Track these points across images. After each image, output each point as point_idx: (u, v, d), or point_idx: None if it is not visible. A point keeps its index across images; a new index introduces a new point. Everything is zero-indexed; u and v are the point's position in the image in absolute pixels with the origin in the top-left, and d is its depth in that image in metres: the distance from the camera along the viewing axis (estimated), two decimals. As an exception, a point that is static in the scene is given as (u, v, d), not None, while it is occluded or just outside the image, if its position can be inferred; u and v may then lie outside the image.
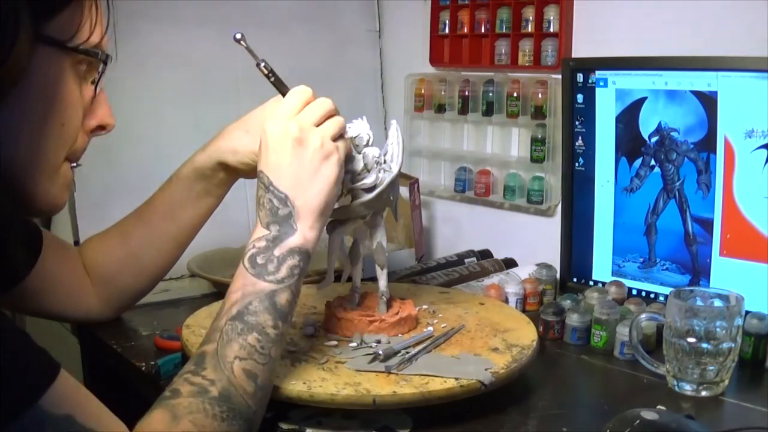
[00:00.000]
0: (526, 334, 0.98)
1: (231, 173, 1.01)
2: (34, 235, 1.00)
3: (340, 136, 0.88)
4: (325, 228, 0.99)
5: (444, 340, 0.96)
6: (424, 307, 1.07)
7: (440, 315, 1.05)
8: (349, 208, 0.94)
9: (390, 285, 1.02)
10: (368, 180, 0.93)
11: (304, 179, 0.83)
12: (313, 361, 0.90)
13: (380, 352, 0.89)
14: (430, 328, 0.99)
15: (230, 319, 0.77)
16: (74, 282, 1.05)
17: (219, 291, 1.27)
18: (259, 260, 0.80)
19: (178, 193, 1.03)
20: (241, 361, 0.74)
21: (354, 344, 0.95)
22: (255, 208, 0.84)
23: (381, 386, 0.83)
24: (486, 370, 0.86)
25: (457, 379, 0.84)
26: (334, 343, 0.95)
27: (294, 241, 0.81)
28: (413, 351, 0.91)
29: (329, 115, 0.88)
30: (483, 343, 0.95)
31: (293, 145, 0.83)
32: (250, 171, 0.98)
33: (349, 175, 0.93)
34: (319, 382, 0.84)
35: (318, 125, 0.86)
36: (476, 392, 0.84)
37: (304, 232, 0.82)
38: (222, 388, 0.72)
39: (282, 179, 0.82)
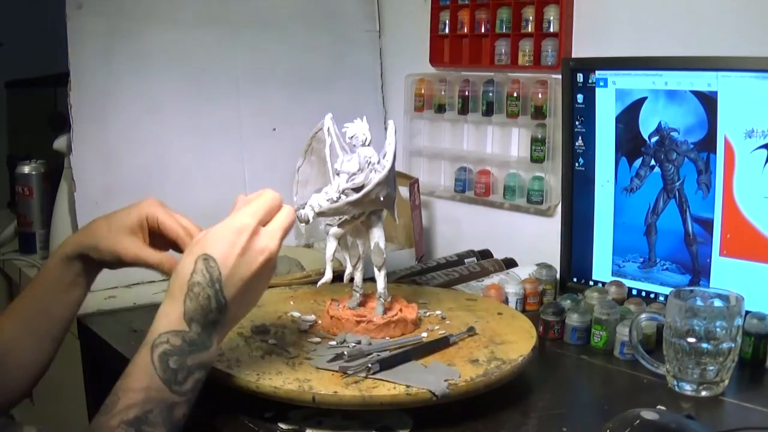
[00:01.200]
0: (518, 349, 0.93)
1: (93, 265, 0.94)
2: None
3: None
4: (324, 227, 1.00)
5: (427, 348, 0.93)
6: (437, 312, 1.07)
7: (448, 322, 1.04)
8: (337, 207, 0.94)
9: (416, 288, 1.01)
10: (357, 180, 0.94)
11: (248, 294, 0.78)
12: (285, 355, 0.91)
13: (345, 352, 0.89)
14: (424, 334, 0.98)
15: (125, 422, 0.70)
16: None
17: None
18: (171, 364, 0.73)
19: (48, 286, 0.94)
20: None
21: (333, 343, 0.95)
22: (178, 282, 0.75)
23: (326, 385, 0.82)
24: (445, 381, 0.83)
25: (407, 386, 0.82)
26: (318, 340, 0.96)
27: (207, 356, 0.75)
28: (382, 355, 0.89)
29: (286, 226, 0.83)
30: (467, 353, 0.92)
31: (264, 263, 0.78)
32: (112, 264, 0.92)
33: (344, 176, 0.94)
34: (273, 374, 0.84)
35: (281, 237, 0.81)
36: (426, 402, 0.82)
37: (216, 348, 0.77)
38: None
39: (231, 283, 0.76)
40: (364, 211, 0.97)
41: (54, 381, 1.54)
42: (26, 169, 1.62)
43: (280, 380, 0.83)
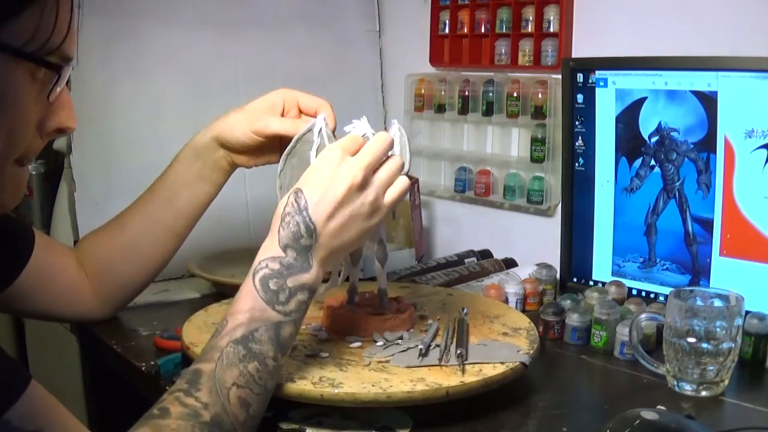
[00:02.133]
0: (516, 319, 1.03)
1: (226, 155, 1.02)
2: (25, 237, 0.99)
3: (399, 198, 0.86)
4: None
5: (456, 331, 0.97)
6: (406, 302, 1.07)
7: (424, 308, 1.06)
8: None
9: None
10: None
11: (340, 222, 0.81)
12: (356, 364, 0.88)
13: (420, 347, 0.90)
14: (429, 321, 1.02)
15: (233, 341, 0.75)
16: (69, 281, 1.04)
17: (219, 291, 1.27)
18: (272, 285, 0.78)
19: (174, 176, 1.03)
20: (238, 389, 0.72)
21: (380, 343, 0.94)
22: (275, 218, 0.81)
23: (444, 378, 0.84)
24: (518, 352, 0.91)
25: (502, 363, 0.88)
26: (359, 344, 0.95)
27: (307, 277, 0.80)
28: (442, 343, 0.93)
29: (398, 173, 0.87)
30: (488, 330, 0.99)
31: (350, 189, 0.81)
32: (245, 150, 1.00)
33: None
34: (385, 383, 0.83)
35: (386, 185, 0.85)
36: (520, 373, 0.89)
37: (318, 270, 0.81)
38: (215, 414, 0.70)
39: (319, 209, 0.80)
40: None
41: (54, 381, 1.54)
42: (26, 169, 1.61)
43: (403, 386, 0.82)
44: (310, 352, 0.91)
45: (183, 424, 0.67)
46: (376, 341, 0.95)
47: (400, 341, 0.94)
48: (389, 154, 0.88)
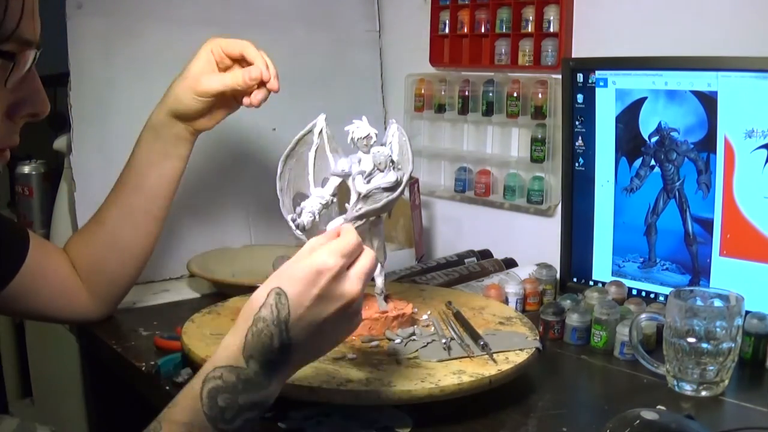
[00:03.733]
0: (501, 309, 1.08)
1: (183, 125, 1.04)
2: (20, 238, 0.99)
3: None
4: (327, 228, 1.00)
5: (457, 324, 1.00)
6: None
7: (416, 308, 1.06)
8: (382, 207, 0.95)
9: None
10: (390, 178, 0.94)
11: (319, 340, 0.72)
12: (390, 362, 0.89)
13: (444, 341, 0.93)
14: (426, 316, 1.04)
15: None
16: (63, 282, 1.04)
17: (219, 291, 1.27)
18: (220, 401, 0.67)
19: (139, 160, 1.04)
20: None
21: (398, 340, 0.95)
22: (247, 309, 0.70)
23: (481, 368, 0.87)
24: (527, 338, 0.95)
25: (521, 349, 0.91)
26: (376, 343, 0.95)
27: (263, 395, 0.69)
28: (455, 336, 0.96)
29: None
30: (484, 321, 1.02)
31: (341, 308, 0.71)
32: (199, 114, 1.03)
33: (360, 176, 0.94)
34: (432, 378, 0.85)
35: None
36: (536, 358, 0.93)
37: (276, 387, 0.71)
38: None
39: (300, 326, 0.69)
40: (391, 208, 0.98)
41: (54, 381, 1.54)
42: (26, 169, 1.62)
43: (449, 379, 0.84)
44: (337, 356, 0.90)
45: None
46: (392, 339, 0.95)
47: (414, 337, 0.96)
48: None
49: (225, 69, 1.04)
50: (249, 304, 0.71)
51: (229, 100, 1.06)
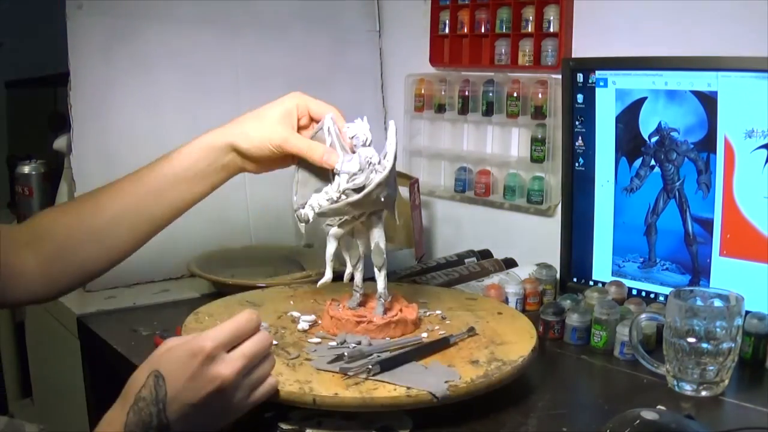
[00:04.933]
0: (518, 350, 0.93)
1: (237, 160, 0.97)
2: None
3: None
4: (324, 227, 1.00)
5: (427, 349, 0.93)
6: (437, 312, 1.07)
7: (448, 322, 1.03)
8: (338, 207, 0.94)
9: (416, 287, 1.00)
10: (358, 180, 0.93)
11: (196, 420, 0.74)
12: (285, 355, 0.90)
13: (345, 353, 0.89)
14: (424, 334, 0.98)
15: None
16: (7, 262, 0.92)
17: (219, 291, 1.27)
18: None
19: (172, 169, 0.96)
20: None
21: (333, 343, 0.95)
22: (130, 386, 0.74)
23: (327, 387, 0.82)
24: (446, 382, 0.83)
25: (408, 388, 0.82)
26: (318, 340, 0.96)
27: None
28: (383, 356, 0.89)
29: (269, 372, 0.80)
30: (468, 354, 0.92)
31: (215, 391, 0.74)
32: (258, 160, 0.96)
33: (345, 176, 0.94)
34: (273, 375, 0.83)
35: (254, 384, 0.79)
36: (427, 404, 0.82)
37: None
38: None
39: (176, 406, 0.73)
40: (364, 211, 0.97)
41: (54, 381, 1.54)
42: (26, 169, 1.62)
43: (280, 381, 0.83)
44: (273, 341, 0.92)
45: None
46: (334, 341, 0.95)
47: (354, 345, 0.93)
48: None
49: (300, 125, 0.98)
50: (131, 383, 0.75)
51: (290, 158, 0.99)
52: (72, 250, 0.95)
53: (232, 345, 0.76)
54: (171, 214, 0.98)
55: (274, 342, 0.94)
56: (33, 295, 0.96)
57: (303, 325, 1.01)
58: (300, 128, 0.98)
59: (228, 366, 0.75)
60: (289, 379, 0.83)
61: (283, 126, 0.95)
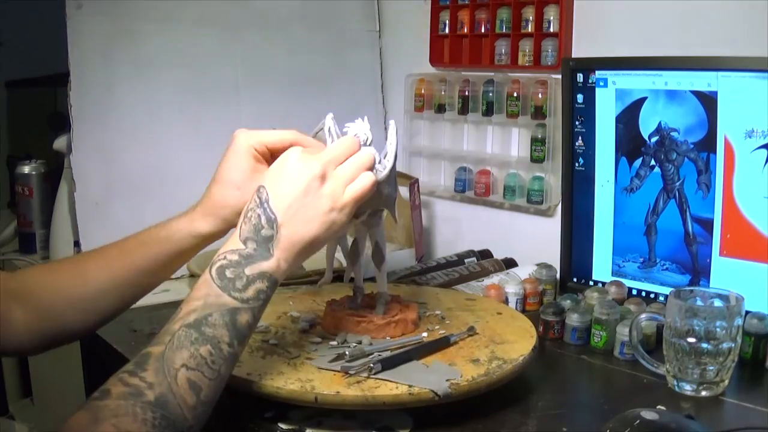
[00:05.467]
0: (519, 349, 0.93)
1: (222, 226, 0.90)
2: None
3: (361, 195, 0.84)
4: None
5: (428, 348, 0.93)
6: (437, 312, 1.06)
7: (448, 322, 1.03)
8: None
9: (414, 288, 1.00)
10: None
11: (301, 213, 0.80)
12: (286, 355, 0.91)
13: (347, 352, 0.89)
14: (424, 334, 0.98)
15: (186, 325, 0.73)
16: None
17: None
18: (228, 273, 0.76)
19: (163, 252, 0.91)
20: (188, 371, 0.70)
21: (334, 343, 0.95)
22: (241, 215, 0.80)
23: (329, 385, 0.82)
24: (447, 380, 0.83)
25: (410, 386, 0.82)
26: (318, 340, 0.96)
27: (267, 265, 0.78)
28: (384, 355, 0.89)
29: (363, 169, 0.84)
30: (468, 353, 0.92)
31: (309, 179, 0.80)
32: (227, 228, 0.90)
33: None
34: (274, 375, 0.85)
35: (348, 179, 0.83)
36: (428, 402, 0.82)
37: (279, 261, 0.78)
38: (159, 394, 0.67)
39: (279, 201, 0.79)
40: (364, 210, 0.97)
41: (54, 381, 1.54)
42: (26, 169, 1.62)
43: (281, 380, 0.83)
44: (273, 341, 0.96)
45: (123, 404, 0.65)
46: (334, 340, 0.95)
47: (354, 345, 0.93)
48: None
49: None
50: (244, 208, 0.81)
51: None
52: (58, 313, 0.91)
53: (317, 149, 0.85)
54: (156, 283, 0.94)
55: (275, 342, 0.95)
56: (19, 346, 0.93)
57: (303, 325, 1.01)
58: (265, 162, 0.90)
59: (313, 159, 0.82)
60: (290, 378, 0.84)
61: (255, 177, 0.87)
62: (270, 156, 0.90)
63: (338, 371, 0.86)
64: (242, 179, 0.88)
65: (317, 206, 0.80)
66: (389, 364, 0.86)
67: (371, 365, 0.85)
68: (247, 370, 0.86)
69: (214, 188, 0.90)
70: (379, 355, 0.89)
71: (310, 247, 0.81)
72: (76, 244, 1.36)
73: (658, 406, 0.87)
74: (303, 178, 0.80)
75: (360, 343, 0.94)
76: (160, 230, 0.91)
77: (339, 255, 1.05)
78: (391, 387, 0.82)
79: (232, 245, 0.79)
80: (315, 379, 0.84)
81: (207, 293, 0.75)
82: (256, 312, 0.77)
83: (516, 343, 0.95)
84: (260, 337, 0.97)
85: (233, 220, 0.87)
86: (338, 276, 1.05)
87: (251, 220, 0.79)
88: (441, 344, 0.94)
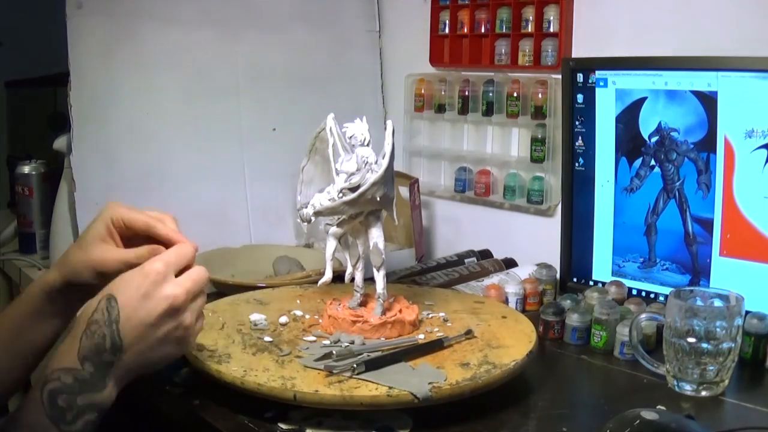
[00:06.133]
0: (513, 354, 0.92)
1: (79, 294, 0.88)
2: None
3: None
4: (324, 226, 1.00)
5: (419, 350, 0.93)
6: (440, 314, 1.06)
7: (449, 324, 1.03)
8: (334, 207, 0.94)
9: (426, 290, 0.99)
10: (354, 179, 0.94)
11: (150, 343, 0.75)
12: (277, 353, 0.91)
13: (333, 351, 0.89)
14: (421, 336, 0.98)
15: None
16: None
17: (219, 291, 1.27)
18: (60, 402, 0.70)
19: (28, 311, 0.89)
20: None
21: (327, 342, 0.95)
22: (81, 316, 0.74)
23: (309, 384, 0.83)
24: (429, 383, 0.83)
25: (389, 388, 0.82)
26: (313, 338, 0.96)
27: (99, 397, 0.72)
28: (372, 355, 0.89)
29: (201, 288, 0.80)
30: (461, 356, 0.92)
31: (168, 309, 0.75)
32: (96, 285, 0.84)
33: (343, 176, 0.94)
34: (260, 371, 0.85)
35: (198, 311, 0.80)
36: (408, 404, 0.82)
37: (112, 390, 0.74)
38: None
39: (130, 327, 0.74)
40: (362, 211, 0.97)
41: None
42: (26, 169, 1.62)
43: (265, 377, 0.84)
44: (269, 339, 0.96)
45: None
46: (328, 339, 0.96)
47: (346, 344, 0.93)
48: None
49: (128, 238, 0.88)
50: (83, 311, 0.75)
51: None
52: None
53: (178, 270, 0.78)
54: (36, 350, 0.91)
55: (270, 339, 0.96)
56: None
57: (282, 318, 1.02)
58: (129, 238, 0.88)
59: (178, 286, 0.76)
60: (273, 375, 0.84)
61: (104, 247, 0.86)
62: (125, 229, 0.87)
63: (322, 370, 0.86)
64: (89, 242, 0.86)
65: (168, 340, 0.77)
66: (373, 364, 0.86)
67: (354, 365, 0.85)
68: (233, 366, 0.86)
69: (72, 246, 0.89)
70: (368, 356, 0.89)
71: (142, 372, 0.77)
72: (76, 244, 1.36)
73: (658, 406, 0.87)
74: (162, 306, 0.75)
75: (353, 342, 0.94)
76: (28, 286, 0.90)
77: (339, 255, 1.05)
78: (371, 388, 0.82)
79: (68, 362, 0.72)
80: (298, 377, 0.84)
81: (35, 422, 0.70)
82: None
83: (512, 348, 0.95)
84: (256, 335, 0.97)
85: (74, 281, 0.86)
86: (339, 276, 1.04)
87: (94, 337, 0.73)
88: (433, 347, 0.94)
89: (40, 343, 0.90)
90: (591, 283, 1.30)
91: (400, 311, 1.00)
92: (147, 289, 0.75)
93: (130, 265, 0.82)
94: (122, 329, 0.73)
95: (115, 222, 0.87)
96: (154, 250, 0.84)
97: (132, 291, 0.75)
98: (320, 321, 1.02)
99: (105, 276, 0.84)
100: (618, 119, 1.24)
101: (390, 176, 0.96)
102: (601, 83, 1.25)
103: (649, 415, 0.79)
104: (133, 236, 0.87)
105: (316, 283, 1.02)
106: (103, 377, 0.73)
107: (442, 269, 1.36)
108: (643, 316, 1.00)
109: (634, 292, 1.25)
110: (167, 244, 0.84)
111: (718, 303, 0.96)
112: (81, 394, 0.71)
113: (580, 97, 1.28)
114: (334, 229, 0.99)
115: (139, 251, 0.85)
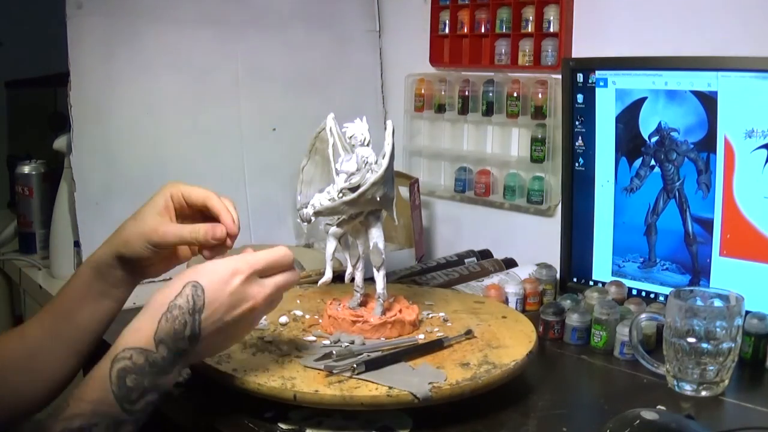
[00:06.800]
0: (513, 354, 0.92)
1: (128, 270, 0.90)
2: None
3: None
4: (324, 226, 1.00)
5: (419, 350, 0.93)
6: (441, 314, 1.06)
7: (449, 324, 1.03)
8: (334, 207, 0.94)
9: (426, 290, 0.99)
10: (354, 179, 0.94)
11: (224, 337, 0.79)
12: (277, 352, 0.91)
13: (334, 351, 0.89)
14: (421, 336, 0.98)
15: (67, 430, 0.68)
16: None
17: (219, 291, 1.27)
18: (128, 382, 0.71)
19: (77, 290, 0.91)
20: None
21: (327, 342, 0.95)
22: (160, 296, 0.75)
23: (309, 384, 0.83)
24: (429, 383, 0.83)
25: (389, 388, 0.82)
26: (313, 338, 0.97)
27: (165, 381, 0.74)
28: (372, 355, 0.89)
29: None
30: (460, 356, 0.92)
31: (249, 309, 0.78)
32: (148, 262, 0.89)
33: (343, 176, 0.94)
34: (259, 371, 0.85)
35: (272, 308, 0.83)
36: (407, 404, 0.82)
37: (177, 375, 0.76)
38: None
39: (211, 321, 0.76)
40: (362, 211, 0.97)
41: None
42: (26, 169, 1.62)
43: (264, 377, 0.84)
44: (269, 339, 0.96)
45: None
46: (328, 339, 0.96)
47: (347, 344, 0.93)
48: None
49: (183, 217, 0.91)
50: (162, 291, 0.76)
51: (183, 251, 0.94)
52: (4, 377, 0.88)
53: (265, 273, 0.80)
54: (87, 336, 0.91)
55: (270, 339, 0.96)
56: None
57: (282, 318, 1.02)
58: (182, 218, 0.90)
59: (262, 291, 0.79)
60: (273, 375, 0.84)
61: (160, 220, 0.88)
62: (186, 206, 0.89)
63: (322, 370, 0.86)
64: (146, 214, 0.87)
65: (240, 335, 0.81)
66: (374, 364, 0.86)
67: (354, 365, 0.85)
68: (233, 366, 0.86)
69: (125, 221, 0.89)
70: (368, 356, 0.89)
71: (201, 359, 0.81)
72: (76, 244, 1.36)
73: (658, 406, 0.87)
74: (244, 307, 0.78)
75: (353, 342, 0.94)
76: (81, 269, 0.91)
77: (339, 255, 1.05)
78: (371, 388, 0.82)
79: (143, 342, 0.73)
80: (298, 377, 0.84)
81: (100, 399, 0.70)
82: (139, 422, 0.73)
83: (512, 348, 0.95)
84: (257, 335, 0.97)
85: (125, 254, 0.87)
86: (339, 276, 1.04)
87: (174, 323, 0.74)
88: (433, 347, 0.94)
89: (91, 327, 0.91)
90: (591, 283, 1.30)
91: (400, 311, 1.00)
92: (234, 287, 0.77)
93: (183, 241, 0.87)
94: (204, 321, 0.75)
95: (174, 197, 0.89)
96: (212, 228, 0.86)
97: (218, 285, 0.76)
98: (320, 321, 1.02)
99: (157, 248, 0.87)
100: (618, 119, 1.24)
101: (390, 176, 0.96)
102: (601, 83, 1.25)
103: (649, 415, 0.79)
104: (189, 216, 0.89)
105: (316, 283, 1.02)
106: (174, 362, 0.74)
107: (442, 269, 1.36)
108: (643, 316, 1.00)
109: (634, 292, 1.25)
110: (219, 219, 0.86)
111: (718, 303, 0.96)
112: (149, 375, 0.72)
113: (580, 97, 1.28)
114: (334, 229, 0.99)
115: (195, 227, 0.87)
